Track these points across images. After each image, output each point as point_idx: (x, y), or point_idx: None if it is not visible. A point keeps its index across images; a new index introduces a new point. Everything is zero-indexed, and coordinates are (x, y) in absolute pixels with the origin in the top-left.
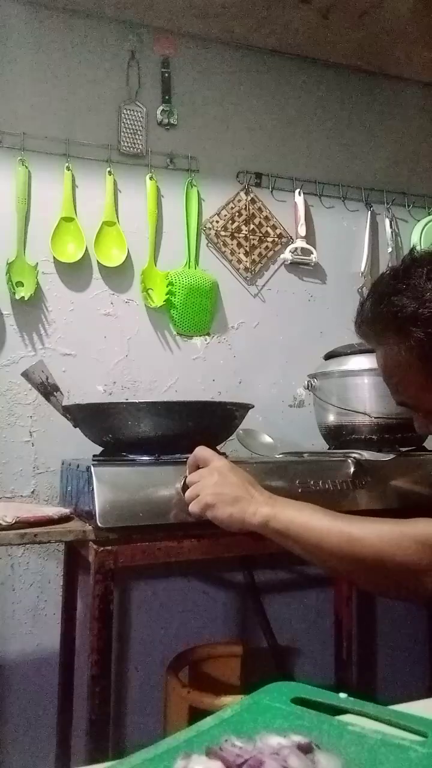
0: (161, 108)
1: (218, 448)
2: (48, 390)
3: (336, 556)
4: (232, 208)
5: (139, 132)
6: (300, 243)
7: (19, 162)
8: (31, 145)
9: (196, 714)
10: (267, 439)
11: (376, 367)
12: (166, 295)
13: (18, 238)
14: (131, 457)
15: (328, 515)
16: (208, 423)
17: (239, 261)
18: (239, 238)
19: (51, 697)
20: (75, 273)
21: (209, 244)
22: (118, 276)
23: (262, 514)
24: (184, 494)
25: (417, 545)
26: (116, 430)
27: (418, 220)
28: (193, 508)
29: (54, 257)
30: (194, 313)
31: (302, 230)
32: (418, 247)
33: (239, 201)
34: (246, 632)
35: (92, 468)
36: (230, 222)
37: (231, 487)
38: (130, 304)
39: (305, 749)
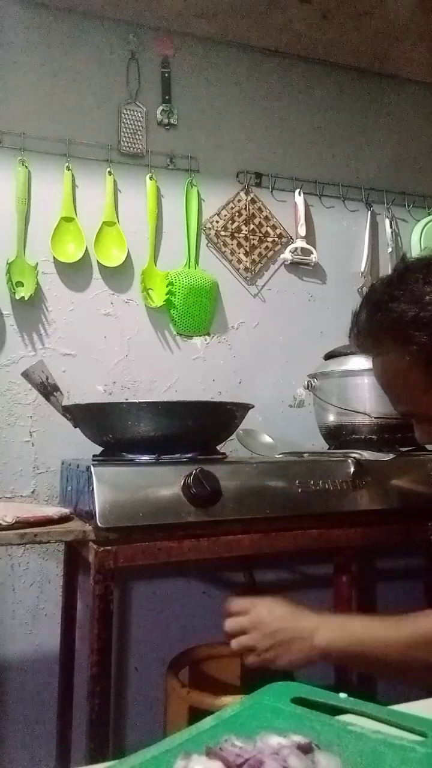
0: (161, 108)
1: (218, 448)
2: (48, 390)
3: (401, 669)
4: (232, 208)
5: (139, 132)
6: (300, 243)
7: (19, 162)
8: (31, 145)
9: (196, 714)
10: (267, 439)
11: None
12: (166, 295)
13: (18, 238)
14: (131, 457)
15: (379, 631)
16: (208, 423)
17: (239, 261)
18: (239, 238)
19: (51, 697)
20: (75, 273)
21: (209, 244)
22: (118, 276)
23: (320, 649)
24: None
25: None
26: (116, 430)
27: (418, 220)
28: (252, 661)
29: (54, 257)
30: (194, 313)
31: (302, 230)
32: (415, 251)
33: (239, 201)
34: None
35: (92, 468)
36: (230, 222)
37: (283, 633)
38: (130, 304)
39: (305, 749)
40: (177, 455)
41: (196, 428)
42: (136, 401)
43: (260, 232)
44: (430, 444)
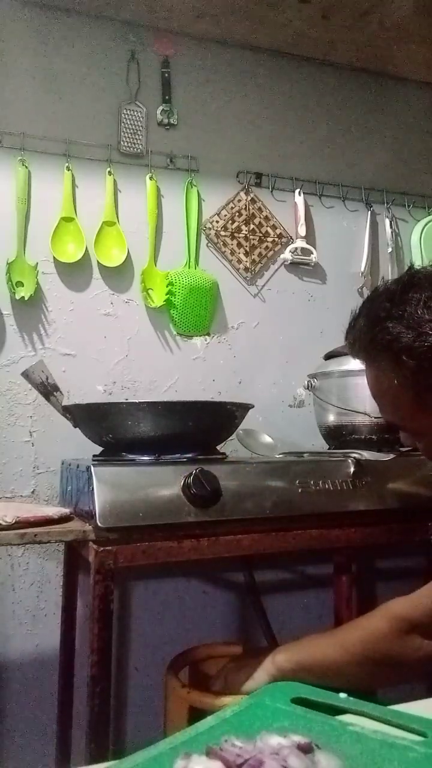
0: (161, 108)
1: (218, 448)
2: (48, 390)
3: (339, 670)
4: (232, 208)
5: (139, 132)
6: (300, 243)
7: (19, 162)
8: (31, 145)
9: (196, 714)
10: (267, 439)
11: None
12: (166, 295)
13: (18, 238)
14: (131, 457)
15: (325, 636)
16: (208, 423)
17: (239, 261)
18: (239, 238)
19: (51, 697)
20: (75, 273)
21: (209, 244)
22: (118, 276)
23: (278, 664)
24: None
25: (382, 621)
26: (116, 430)
27: (418, 220)
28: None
29: (54, 257)
30: (194, 313)
31: (302, 230)
32: (415, 251)
33: (239, 201)
34: (246, 632)
35: (92, 468)
36: (230, 222)
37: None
38: (130, 304)
39: (305, 749)
40: (177, 455)
41: (196, 428)
42: (136, 401)
43: (260, 232)
44: (412, 447)
